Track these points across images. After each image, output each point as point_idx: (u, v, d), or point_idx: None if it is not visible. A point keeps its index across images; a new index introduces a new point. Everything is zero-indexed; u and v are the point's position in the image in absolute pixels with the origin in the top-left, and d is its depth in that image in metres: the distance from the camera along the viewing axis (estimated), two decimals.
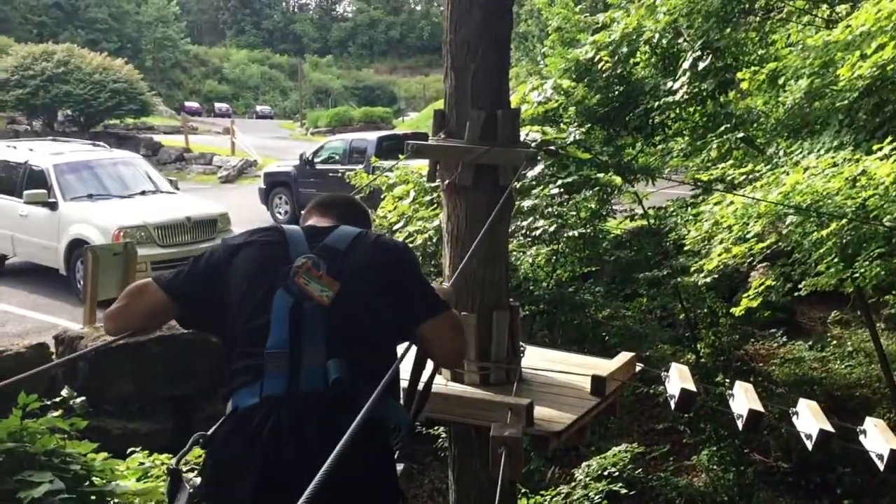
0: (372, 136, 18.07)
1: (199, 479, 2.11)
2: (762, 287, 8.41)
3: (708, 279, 8.74)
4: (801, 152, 8.05)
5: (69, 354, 7.98)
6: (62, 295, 10.87)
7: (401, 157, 12.20)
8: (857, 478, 9.12)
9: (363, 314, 2.17)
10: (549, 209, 8.73)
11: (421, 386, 2.77)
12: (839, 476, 9.12)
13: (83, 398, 7.44)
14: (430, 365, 2.75)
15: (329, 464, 1.39)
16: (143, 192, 11.84)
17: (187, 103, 54.79)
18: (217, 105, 57.70)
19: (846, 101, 7.92)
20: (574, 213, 9.14)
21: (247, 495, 1.93)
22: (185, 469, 2.34)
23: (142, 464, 5.71)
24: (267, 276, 2.15)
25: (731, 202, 7.22)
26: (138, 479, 5.06)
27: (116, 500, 4.26)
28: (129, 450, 5.95)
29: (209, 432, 2.14)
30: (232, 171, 26.48)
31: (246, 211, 15.54)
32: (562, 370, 4.58)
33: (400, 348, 2.36)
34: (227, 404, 2.14)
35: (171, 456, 6.54)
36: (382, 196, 9.26)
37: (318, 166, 16.40)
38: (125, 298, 2.32)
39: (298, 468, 1.85)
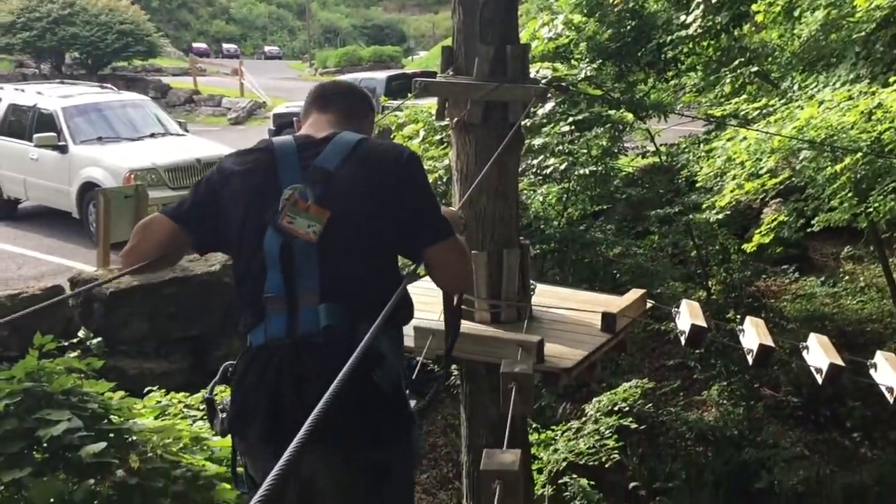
0: (381, 75, 17.85)
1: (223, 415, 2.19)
2: (775, 223, 8.35)
3: (720, 216, 8.68)
4: (816, 86, 7.91)
5: (84, 296, 8.07)
6: (76, 238, 10.93)
7: (410, 95, 12.09)
8: (866, 411, 9.18)
9: (357, 245, 2.09)
10: (560, 147, 8.65)
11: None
12: (849, 410, 9.18)
13: (100, 339, 7.58)
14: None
15: (319, 410, 1.39)
16: (152, 135, 11.79)
17: (195, 44, 54.12)
18: (225, 46, 56.99)
19: (863, 33, 7.75)
20: (585, 150, 9.06)
21: (258, 432, 2.02)
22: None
23: (159, 402, 5.81)
24: (258, 211, 2.11)
25: (745, 137, 7.13)
26: (155, 418, 5.14)
27: (135, 438, 4.33)
28: (146, 389, 6.05)
29: (235, 366, 2.19)
30: (241, 113, 26.31)
31: None
32: (572, 307, 4.60)
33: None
34: (247, 339, 2.16)
35: (187, 395, 6.66)
36: (392, 136, 9.20)
37: None
38: (136, 235, 2.33)
39: (298, 409, 1.88)
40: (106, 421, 4.26)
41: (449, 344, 2.67)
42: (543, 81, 7.73)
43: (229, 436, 2.19)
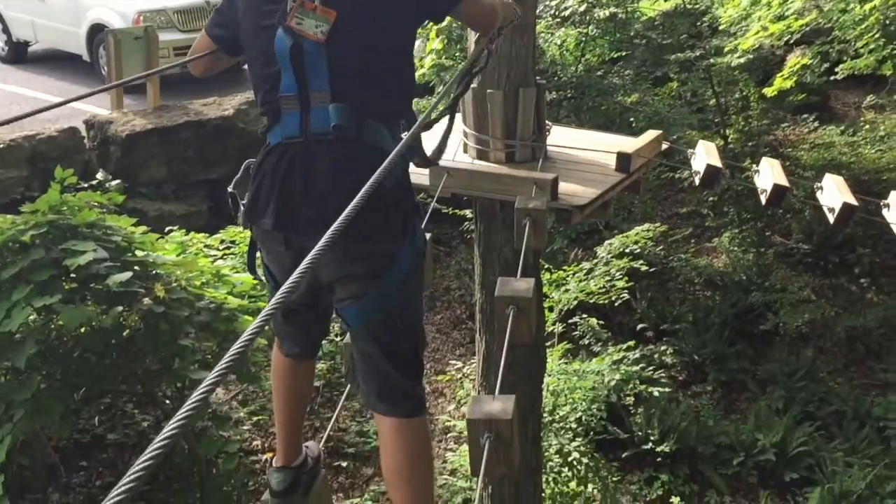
0: None
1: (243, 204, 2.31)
2: (798, 66, 8.15)
3: (742, 59, 8.47)
4: None
5: (99, 138, 8.10)
6: (88, 81, 10.82)
7: None
8: (875, 258, 9.30)
9: (367, 44, 2.11)
10: None
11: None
12: (858, 256, 9.30)
13: (119, 181, 7.68)
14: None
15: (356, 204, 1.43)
16: None
17: None
18: None
19: None
20: None
21: (270, 221, 2.15)
22: None
23: (180, 242, 5.94)
24: (267, 15, 2.15)
25: None
26: (177, 256, 5.27)
27: (159, 271, 4.48)
28: (167, 229, 6.18)
29: (254, 162, 2.29)
30: None
31: None
32: (587, 148, 4.60)
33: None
34: (266, 139, 2.26)
35: (207, 235, 6.81)
36: None
37: None
38: (194, 47, 2.56)
39: (306, 200, 2.08)
40: (130, 254, 4.39)
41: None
42: None
43: (249, 232, 2.36)
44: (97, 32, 10.33)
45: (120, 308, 4.06)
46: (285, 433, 2.52)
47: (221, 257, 6.42)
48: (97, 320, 4.01)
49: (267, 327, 5.46)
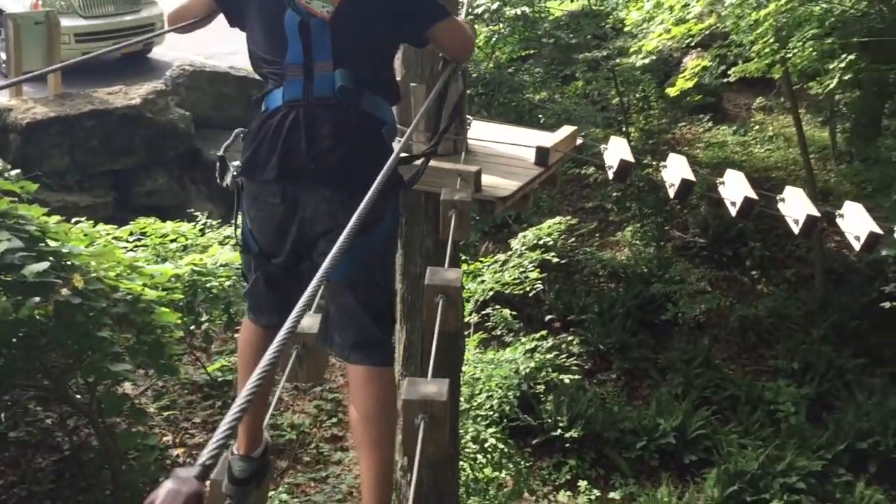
0: None
1: (238, 163, 2.47)
2: (698, 68, 8.57)
3: (646, 60, 8.84)
4: None
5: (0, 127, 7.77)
6: None
7: None
8: (766, 251, 9.86)
9: (364, 29, 2.38)
10: None
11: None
12: (750, 250, 9.84)
13: (18, 171, 7.37)
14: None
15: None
16: None
17: None
18: None
19: None
20: None
21: (272, 173, 2.32)
22: None
23: (86, 234, 5.77)
24: None
25: None
26: (86, 246, 5.14)
27: (74, 262, 4.36)
28: (73, 220, 5.99)
29: (248, 128, 2.47)
30: None
31: None
32: (506, 142, 4.73)
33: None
34: (262, 105, 2.44)
35: (115, 227, 6.63)
36: None
37: None
38: (188, 4, 2.70)
39: (308, 154, 2.29)
40: (43, 244, 4.27)
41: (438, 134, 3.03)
42: None
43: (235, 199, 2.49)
44: None
45: (37, 299, 3.95)
46: (251, 418, 2.53)
47: (132, 249, 6.27)
48: (12, 312, 3.88)
49: (233, 307, 5.29)
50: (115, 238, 6.43)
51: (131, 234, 6.61)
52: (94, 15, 10.04)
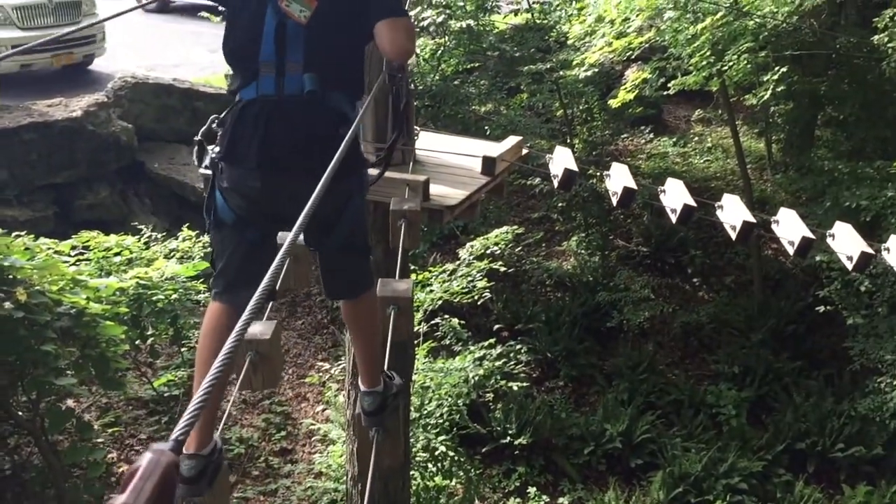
0: None
1: (217, 148, 2.67)
2: (639, 80, 8.78)
3: (588, 73, 9.03)
4: None
5: None
6: None
7: None
8: (706, 259, 10.11)
9: (335, 33, 2.61)
10: None
11: None
12: (691, 258, 10.08)
13: None
14: None
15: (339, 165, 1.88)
16: None
17: None
18: None
19: None
20: (461, 3, 9.07)
21: (254, 158, 2.57)
22: None
23: (27, 248, 5.67)
24: None
25: None
26: (27, 260, 5.05)
27: (16, 275, 4.30)
28: (14, 234, 5.87)
29: (221, 116, 2.66)
30: None
31: None
32: (453, 152, 4.81)
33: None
34: (236, 97, 2.65)
35: (57, 242, 6.51)
36: None
37: None
38: None
39: (285, 142, 2.56)
40: None
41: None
42: None
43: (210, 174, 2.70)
44: None
45: None
46: (206, 412, 2.54)
47: (74, 263, 6.16)
48: None
49: (180, 320, 5.34)
50: (56, 252, 6.30)
51: (73, 247, 6.50)
52: (33, 27, 9.87)
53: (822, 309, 8.30)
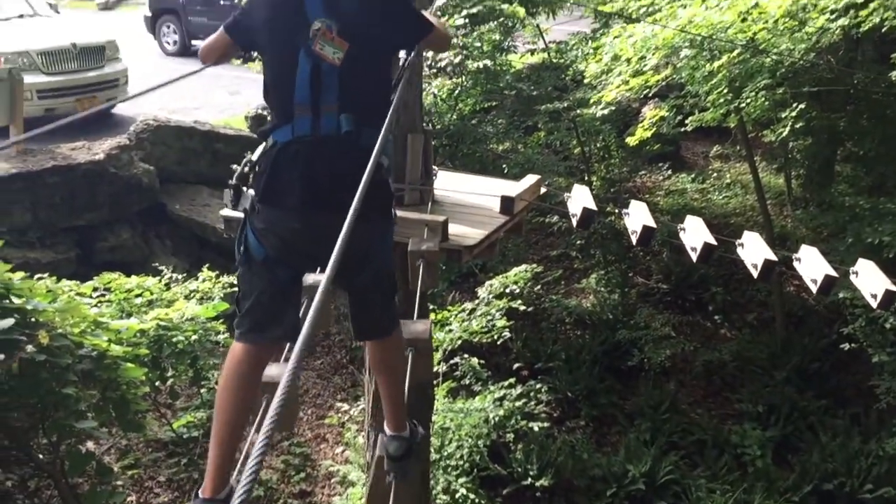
0: None
1: (251, 191, 2.74)
2: (656, 118, 8.79)
3: (605, 110, 9.06)
4: None
5: None
6: None
7: None
8: (727, 296, 10.02)
9: (368, 72, 2.71)
10: (455, 40, 8.72)
11: None
12: (712, 294, 10.00)
13: None
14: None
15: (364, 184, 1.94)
16: (20, 16, 10.98)
17: None
18: None
19: None
20: (478, 44, 9.17)
21: (296, 198, 2.65)
22: None
23: (50, 290, 5.71)
24: (289, 31, 2.67)
25: (631, 35, 7.41)
26: (49, 303, 5.09)
27: (39, 318, 4.32)
28: (36, 277, 5.92)
29: (254, 158, 2.74)
30: None
31: (132, 40, 14.71)
32: (472, 192, 4.82)
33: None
34: (268, 139, 2.72)
35: (79, 283, 6.56)
36: None
37: None
38: (212, 38, 2.97)
39: (325, 181, 2.64)
40: (8, 301, 4.22)
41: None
42: None
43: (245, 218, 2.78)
44: None
45: (1, 356, 3.89)
46: (223, 454, 2.64)
47: (96, 305, 6.20)
48: None
49: (199, 362, 5.42)
50: (78, 294, 6.35)
51: (95, 289, 6.54)
52: (57, 71, 10.06)
53: (846, 346, 8.18)
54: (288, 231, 2.69)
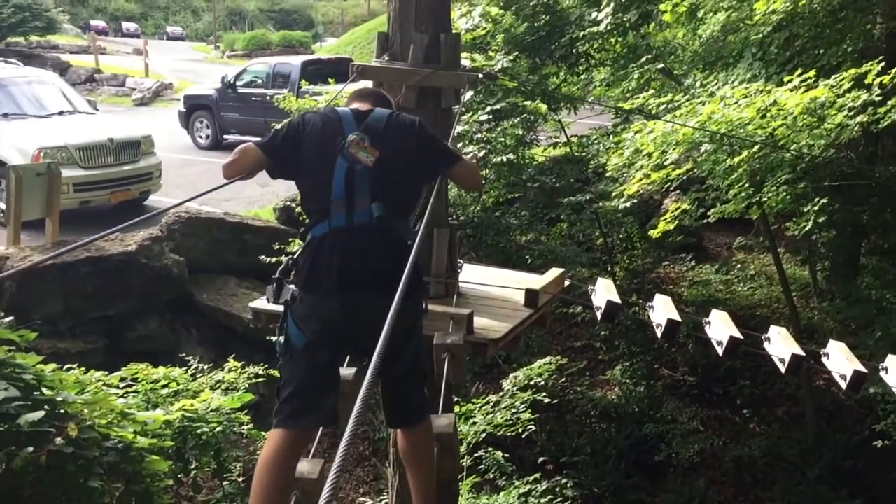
0: (296, 60, 17.76)
1: (292, 286, 3.03)
2: (678, 211, 8.88)
3: (627, 203, 9.16)
4: (716, 84, 8.44)
5: None
6: None
7: (330, 81, 12.12)
8: (755, 390, 9.87)
9: (396, 171, 3.10)
10: (479, 135, 8.94)
11: None
12: (740, 388, 9.85)
13: (11, 318, 7.42)
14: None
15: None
16: (60, 112, 11.43)
17: (93, 22, 51.82)
18: (125, 25, 54.63)
19: (760, 35, 8.31)
20: (501, 139, 9.38)
21: (333, 282, 2.93)
22: None
23: (78, 381, 5.76)
24: (330, 145, 3.09)
25: (651, 130, 7.57)
26: (77, 393, 5.13)
27: (68, 410, 4.36)
28: (66, 366, 5.99)
29: (296, 255, 3.10)
30: (147, 94, 25.51)
31: (165, 134, 15.19)
32: (497, 285, 4.87)
33: None
34: (307, 236, 3.07)
35: (107, 374, 6.61)
36: None
37: (241, 90, 16.01)
38: (237, 154, 3.22)
39: (359, 263, 2.96)
40: (38, 392, 4.27)
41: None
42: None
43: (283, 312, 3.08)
44: None
45: (30, 449, 3.92)
46: None
47: (123, 395, 6.23)
48: (6, 462, 3.85)
49: (223, 454, 5.52)
50: (106, 385, 6.40)
51: (122, 379, 6.58)
52: (94, 165, 10.39)
53: (879, 444, 7.99)
54: (327, 311, 2.95)
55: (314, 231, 3.04)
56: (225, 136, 16.16)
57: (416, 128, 3.26)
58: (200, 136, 16.65)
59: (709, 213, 9.63)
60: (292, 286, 3.02)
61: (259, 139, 3.33)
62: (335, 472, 1.16)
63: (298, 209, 3.35)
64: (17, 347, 4.52)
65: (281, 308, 3.15)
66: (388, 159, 3.06)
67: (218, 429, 6.12)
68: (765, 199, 7.61)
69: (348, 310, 2.90)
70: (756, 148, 6.94)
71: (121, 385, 6.51)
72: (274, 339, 3.30)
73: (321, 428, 3.19)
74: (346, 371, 3.40)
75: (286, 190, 10.62)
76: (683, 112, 7.52)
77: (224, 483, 6.73)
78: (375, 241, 2.98)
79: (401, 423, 3.18)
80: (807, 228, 8.29)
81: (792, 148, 6.94)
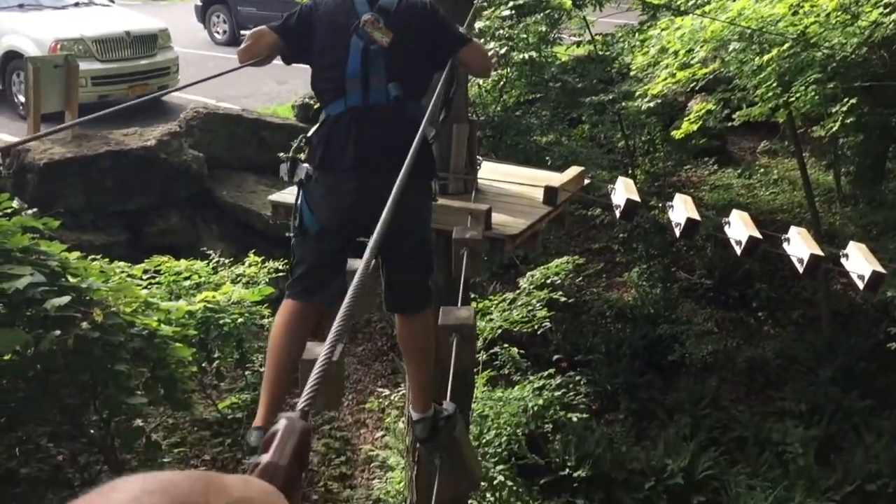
0: None
1: (306, 165, 3.05)
2: (703, 111, 8.72)
3: (651, 103, 9.00)
4: None
5: (15, 166, 7.94)
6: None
7: None
8: (772, 293, 9.91)
9: (409, 53, 3.09)
10: (500, 31, 8.73)
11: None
12: (756, 291, 9.88)
13: (35, 210, 7.52)
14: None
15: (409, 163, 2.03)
16: (76, 4, 11.25)
17: None
18: None
19: None
20: (524, 36, 9.17)
21: (350, 160, 2.97)
22: None
23: (102, 271, 5.87)
24: (343, 24, 3.07)
25: (679, 27, 7.36)
26: (103, 283, 5.23)
27: (93, 297, 4.46)
28: (90, 257, 6.09)
29: (310, 133, 3.11)
30: None
31: (181, 29, 14.94)
32: (515, 182, 4.85)
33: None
34: (322, 114, 3.08)
35: (129, 265, 6.72)
36: None
37: None
38: (251, 38, 3.18)
39: (376, 144, 2.97)
40: (64, 279, 4.37)
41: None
42: None
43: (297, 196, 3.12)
44: (11, 60, 10.10)
45: (58, 332, 4.03)
46: (274, 391, 2.99)
47: (146, 286, 6.35)
48: (33, 344, 3.97)
49: (245, 344, 5.69)
50: (129, 276, 6.53)
51: (145, 271, 6.71)
52: (111, 59, 10.28)
53: (894, 346, 8.05)
54: (341, 192, 2.99)
55: (329, 110, 3.05)
56: (242, 32, 15.86)
57: (428, 9, 3.24)
58: (217, 32, 16.37)
59: (734, 116, 9.45)
60: (306, 165, 3.05)
61: (271, 23, 3.28)
62: (330, 340, 1.19)
63: (317, 105, 3.26)
64: (41, 235, 4.60)
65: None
66: (401, 41, 3.06)
67: (240, 320, 6.26)
68: (792, 99, 7.44)
69: (362, 195, 2.91)
70: (786, 46, 6.74)
71: (144, 277, 6.63)
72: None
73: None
74: (354, 262, 3.42)
75: (304, 87, 10.50)
76: (714, 8, 7.29)
77: (246, 373, 6.93)
78: (392, 122, 2.98)
79: (397, 306, 3.20)
80: (833, 129, 8.13)
81: (824, 46, 6.74)
